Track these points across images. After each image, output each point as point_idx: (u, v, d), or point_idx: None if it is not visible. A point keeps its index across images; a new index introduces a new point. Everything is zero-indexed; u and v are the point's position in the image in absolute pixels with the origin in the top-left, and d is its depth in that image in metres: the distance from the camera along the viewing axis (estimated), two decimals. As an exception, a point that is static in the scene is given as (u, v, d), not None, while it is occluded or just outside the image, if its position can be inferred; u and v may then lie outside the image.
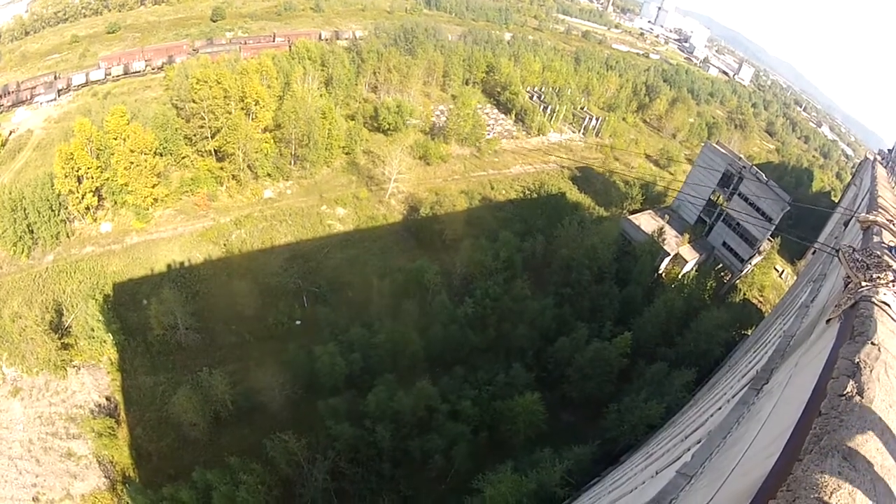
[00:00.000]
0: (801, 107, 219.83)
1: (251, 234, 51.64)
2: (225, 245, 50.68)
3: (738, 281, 54.69)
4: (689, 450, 11.62)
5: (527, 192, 63.33)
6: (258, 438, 37.94)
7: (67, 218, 51.11)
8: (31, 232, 50.20)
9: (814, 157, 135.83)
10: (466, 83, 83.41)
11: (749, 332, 46.58)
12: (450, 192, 59.22)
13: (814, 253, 50.95)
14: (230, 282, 47.23)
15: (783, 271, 63.08)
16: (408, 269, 47.65)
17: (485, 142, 69.01)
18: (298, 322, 46.41)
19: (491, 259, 47.35)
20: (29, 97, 71.37)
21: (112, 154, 50.23)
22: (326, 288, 48.93)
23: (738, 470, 5.69)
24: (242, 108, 54.76)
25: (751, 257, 53.65)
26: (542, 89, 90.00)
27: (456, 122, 65.60)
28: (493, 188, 63.44)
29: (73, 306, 46.35)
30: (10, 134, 65.90)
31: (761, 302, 57.08)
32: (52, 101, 72.06)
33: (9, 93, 70.54)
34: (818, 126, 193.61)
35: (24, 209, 49.24)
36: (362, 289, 48.66)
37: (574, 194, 65.76)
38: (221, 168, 55.14)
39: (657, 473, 13.64)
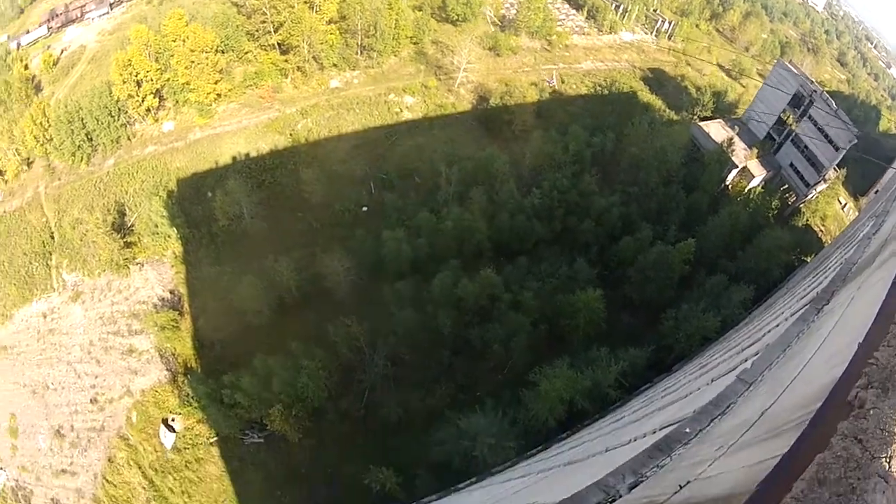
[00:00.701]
0: (871, 44, 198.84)
1: (318, 123, 49.89)
2: (291, 135, 49.11)
3: (801, 205, 54.77)
4: (745, 361, 11.91)
5: (598, 87, 62.30)
6: (322, 324, 36.87)
7: (128, 122, 51.14)
8: (90, 140, 50.58)
9: (882, 96, 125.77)
10: None
11: (808, 258, 46.05)
12: (520, 83, 58.06)
13: (876, 192, 54.32)
14: (297, 170, 45.31)
15: (846, 204, 62.75)
16: (477, 158, 47.12)
17: (555, 35, 68.21)
18: (365, 208, 45.13)
19: (560, 152, 47.14)
20: (79, 15, 71.18)
21: (171, 56, 49.73)
22: (394, 175, 47.69)
23: (800, 379, 6.07)
24: (305, 2, 54.25)
25: (816, 183, 53.44)
26: None
27: (526, 14, 64.51)
28: (563, 82, 62.30)
29: (135, 206, 45.80)
30: (61, 52, 66.45)
31: (822, 231, 56.83)
32: (104, 14, 71.35)
33: (57, 15, 70.82)
34: (887, 67, 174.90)
35: (82, 119, 49.69)
36: (430, 176, 47.53)
37: (645, 95, 64.57)
38: (286, 60, 53.44)
39: (712, 381, 14.10)
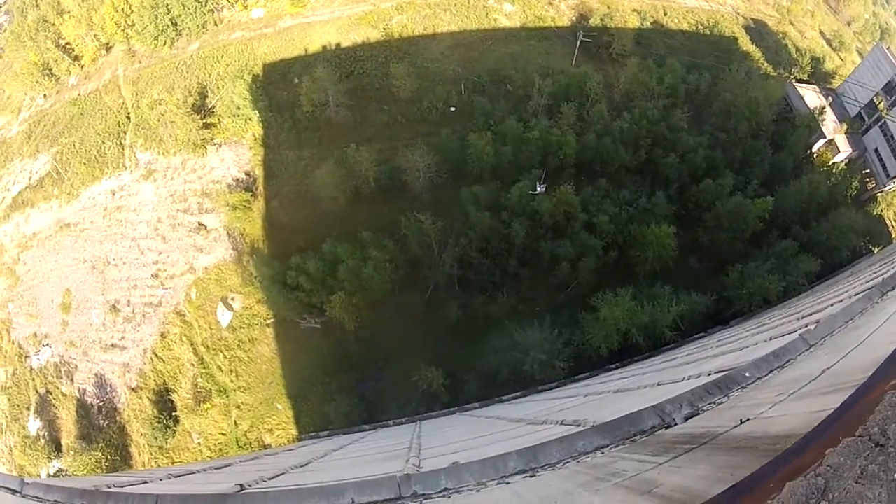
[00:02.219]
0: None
1: (413, 20, 61.35)
2: (384, 29, 60.76)
3: (878, 194, 64.10)
4: (806, 326, 14.48)
5: (699, 26, 74.28)
6: (394, 218, 46.03)
7: (215, 8, 63.11)
8: (175, 25, 63.21)
9: None
10: None
11: (876, 249, 55.71)
12: (622, 7, 68.92)
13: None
14: (387, 64, 56.00)
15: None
16: (571, 73, 56.73)
17: None
18: (453, 108, 55.38)
19: (655, 83, 55.76)
20: None
21: None
22: (486, 79, 57.22)
23: (862, 347, 7.72)
24: None
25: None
26: None
27: None
28: (665, 14, 73.87)
29: (218, 88, 57.05)
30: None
31: (893, 227, 65.94)
32: None
33: None
34: None
35: (167, 5, 62.31)
36: (522, 85, 57.14)
37: (745, 44, 75.96)
38: None
39: (771, 339, 17.17)
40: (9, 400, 59.35)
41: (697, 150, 51.53)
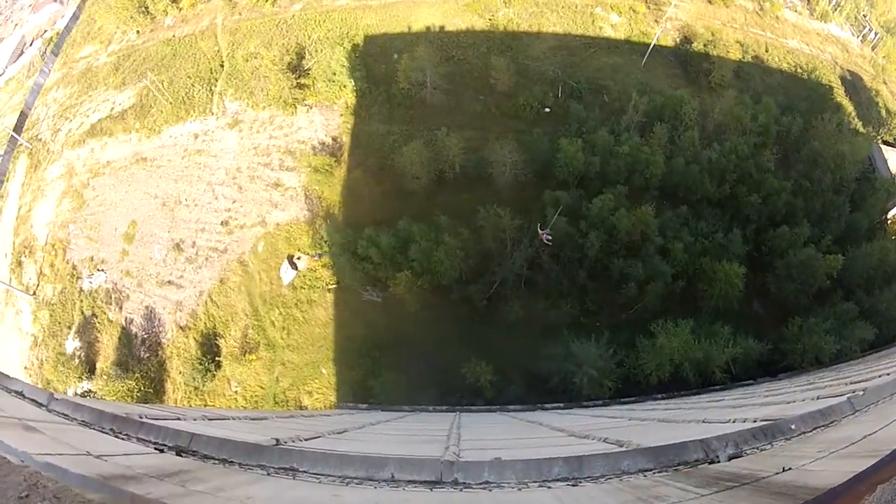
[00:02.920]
0: None
1: (519, 14, 62.78)
2: (490, 20, 62.36)
3: None
4: (854, 392, 14.40)
5: (798, 69, 74.14)
6: (473, 208, 47.40)
7: None
8: None
9: None
10: None
11: None
12: (725, 36, 69.10)
13: None
14: (488, 55, 57.59)
15: None
16: (668, 94, 57.32)
17: (769, 3, 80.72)
18: (548, 109, 56.68)
19: (749, 118, 56.06)
20: None
21: None
22: (584, 86, 58.45)
23: None
24: None
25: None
26: None
27: None
28: (767, 50, 73.88)
29: (316, 52, 59.26)
30: None
31: None
32: None
33: None
34: None
35: None
36: (618, 97, 58.16)
37: (839, 95, 75.06)
38: None
39: (818, 398, 17.74)
40: (51, 315, 61.63)
41: (780, 195, 52.00)
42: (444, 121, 52.54)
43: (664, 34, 68.17)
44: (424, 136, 51.23)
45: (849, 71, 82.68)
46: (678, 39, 69.33)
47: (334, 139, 54.90)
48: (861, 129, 71.86)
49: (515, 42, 61.14)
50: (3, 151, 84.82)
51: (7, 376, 8.83)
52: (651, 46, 65.46)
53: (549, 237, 46.42)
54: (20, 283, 66.28)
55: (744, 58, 69.55)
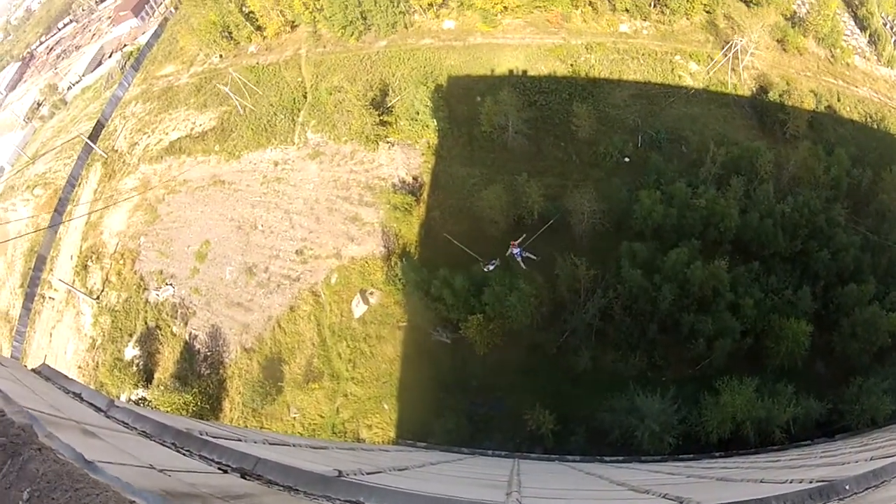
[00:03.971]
0: None
1: (600, 61, 64.45)
2: (572, 66, 64.09)
3: None
4: None
5: (868, 118, 72.88)
6: (549, 254, 48.91)
7: (406, 10, 68.72)
8: (364, 19, 68.81)
9: None
10: None
11: None
12: (800, 86, 69.26)
13: None
14: (570, 101, 59.17)
15: None
16: (745, 146, 57.69)
17: (840, 49, 79.79)
18: (627, 158, 57.84)
19: (821, 171, 56.05)
20: None
21: None
22: (664, 136, 59.59)
23: None
24: None
25: None
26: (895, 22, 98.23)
27: (816, 18, 76.97)
28: (839, 100, 73.17)
29: (399, 90, 62.00)
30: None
31: None
32: None
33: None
34: None
35: None
36: (697, 148, 58.89)
37: None
38: None
39: (871, 459, 18.16)
40: (112, 321, 64.39)
41: (849, 250, 51.73)
42: (524, 166, 54.04)
43: (741, 84, 69.22)
44: (504, 180, 52.79)
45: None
46: (754, 89, 70.03)
47: (415, 178, 56.71)
48: (930, 184, 69.42)
49: (597, 89, 62.72)
50: (77, 157, 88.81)
51: (66, 377, 8.74)
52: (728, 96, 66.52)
53: (522, 255, 48.45)
54: (84, 287, 69.88)
55: (817, 107, 69.78)
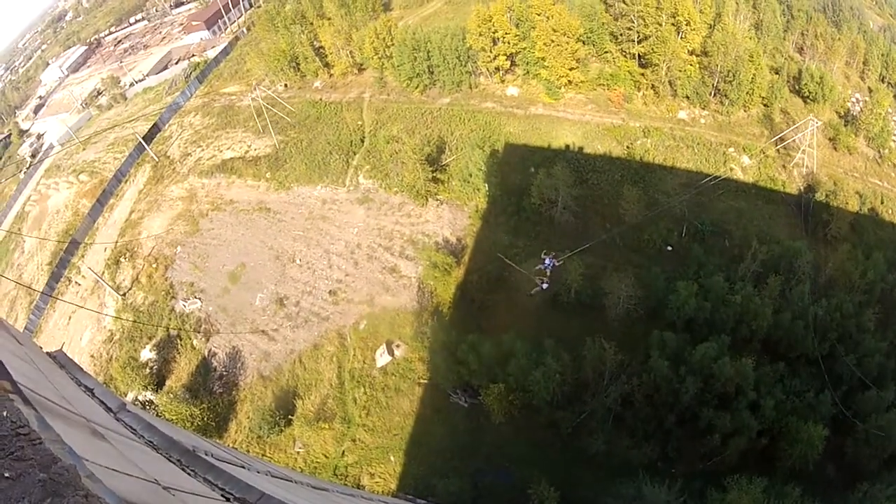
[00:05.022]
0: None
1: (656, 146, 66.13)
2: (628, 147, 65.85)
3: None
4: None
5: None
6: (579, 334, 49.72)
7: (473, 71, 72.12)
8: (431, 73, 72.62)
9: None
10: (882, 80, 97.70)
11: None
12: (846, 186, 70.02)
13: None
14: (621, 183, 60.74)
15: None
16: (786, 245, 58.55)
17: (888, 150, 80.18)
18: (670, 248, 59.12)
19: (858, 275, 56.43)
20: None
21: (533, 28, 69.04)
22: (708, 227, 60.77)
23: None
24: (673, 24, 70.49)
25: None
26: None
27: (868, 116, 77.59)
28: (882, 202, 73.57)
29: (456, 149, 64.81)
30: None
31: None
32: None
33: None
34: None
35: (428, 52, 71.61)
36: (739, 243, 59.82)
37: None
38: (643, 74, 71.16)
39: None
40: (134, 321, 66.52)
41: (874, 356, 51.90)
42: (567, 243, 55.63)
43: (789, 181, 70.33)
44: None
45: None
46: (802, 187, 70.84)
47: (458, 239, 58.50)
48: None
49: (649, 174, 64.46)
50: (129, 154, 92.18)
51: (81, 369, 8.79)
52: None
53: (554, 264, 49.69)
54: (112, 280, 72.97)
55: (860, 209, 70.35)
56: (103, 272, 74.26)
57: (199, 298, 67.54)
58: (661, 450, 48.10)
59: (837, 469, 48.67)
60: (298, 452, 55.06)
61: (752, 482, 41.23)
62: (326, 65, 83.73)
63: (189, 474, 7.26)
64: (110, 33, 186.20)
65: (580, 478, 47.44)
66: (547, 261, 53.91)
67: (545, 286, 54.31)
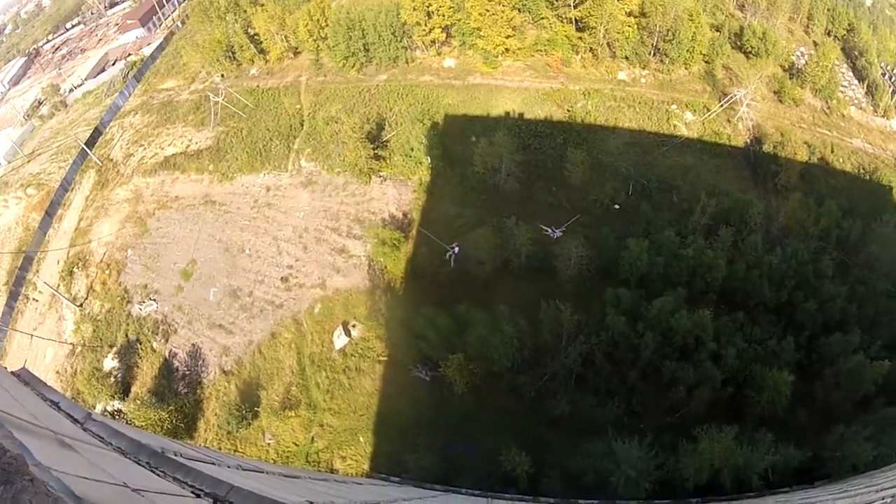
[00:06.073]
0: None
1: (597, 108, 65.13)
2: (569, 111, 64.79)
3: None
4: (885, 500, 16.21)
5: (861, 170, 73.88)
6: (534, 299, 48.68)
7: (409, 46, 69.75)
8: (367, 51, 69.99)
9: None
10: (828, 34, 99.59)
11: None
12: (794, 137, 70.15)
13: None
14: (564, 146, 59.68)
15: None
16: (735, 198, 58.22)
17: (836, 101, 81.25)
18: (617, 206, 58.27)
19: (811, 223, 56.86)
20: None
21: None
22: (655, 184, 60.07)
23: None
24: None
25: None
26: (894, 71, 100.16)
27: (814, 69, 78.37)
28: (832, 151, 74.21)
29: (396, 124, 62.59)
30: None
31: None
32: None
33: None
34: None
35: (363, 30, 69.02)
36: (687, 198, 59.43)
37: None
38: (580, 38, 69.68)
39: None
40: (94, 330, 63.64)
41: (835, 301, 52.11)
42: (514, 209, 54.34)
43: (735, 134, 70.04)
44: (494, 222, 53.31)
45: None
46: (749, 140, 70.78)
47: (405, 214, 56.84)
48: (919, 229, 71.13)
49: (591, 135, 63.56)
50: (72, 162, 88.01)
51: (45, 384, 8.68)
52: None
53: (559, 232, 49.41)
54: (68, 292, 69.29)
55: (810, 159, 70.82)
56: (58, 284, 70.69)
57: (154, 300, 64.71)
58: (627, 406, 47.92)
59: (809, 414, 49.01)
60: (269, 444, 53.39)
61: (722, 430, 41.17)
62: (262, 51, 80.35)
63: (158, 475, 7.35)
64: (48, 41, 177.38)
65: (548, 441, 46.85)
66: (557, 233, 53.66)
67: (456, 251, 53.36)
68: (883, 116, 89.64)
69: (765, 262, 52.89)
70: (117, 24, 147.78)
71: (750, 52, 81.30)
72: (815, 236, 57.21)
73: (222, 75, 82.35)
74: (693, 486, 41.32)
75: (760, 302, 52.55)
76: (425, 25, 68.26)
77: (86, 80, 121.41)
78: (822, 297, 52.46)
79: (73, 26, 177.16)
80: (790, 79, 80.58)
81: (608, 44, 70.86)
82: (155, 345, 61.64)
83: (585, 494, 42.90)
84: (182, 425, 54.05)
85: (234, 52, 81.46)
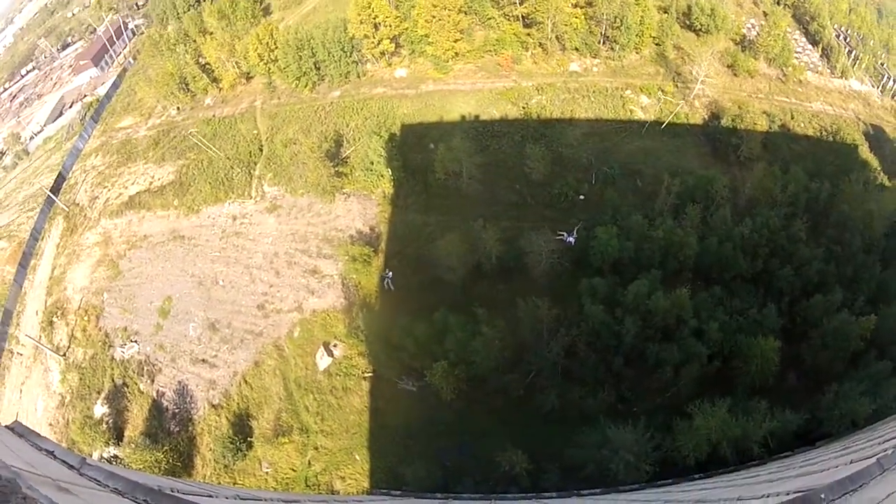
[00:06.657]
0: None
1: (552, 101, 64.83)
2: (524, 108, 64.50)
3: None
4: (886, 452, 15.84)
5: (823, 132, 74.26)
6: (510, 297, 48.27)
7: (359, 60, 68.90)
8: (318, 69, 68.97)
9: None
10: (777, 3, 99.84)
11: None
12: (752, 108, 70.36)
13: None
14: (522, 143, 59.24)
15: None
16: (699, 175, 58.27)
17: (791, 67, 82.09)
18: (582, 197, 58.02)
19: (778, 190, 56.94)
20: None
21: (413, 6, 66.81)
22: (617, 171, 59.95)
23: None
24: None
25: None
26: (848, 31, 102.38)
27: (766, 39, 78.91)
28: (792, 117, 74.48)
29: (354, 140, 61.83)
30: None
31: None
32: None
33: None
34: None
35: (312, 49, 68.12)
36: (651, 181, 59.46)
37: (864, 152, 74.59)
38: (528, 34, 69.40)
39: (851, 462, 18.41)
40: (80, 378, 62.15)
41: (812, 264, 52.41)
42: (479, 211, 53.95)
43: (693, 112, 70.10)
44: (461, 227, 52.85)
45: (872, 125, 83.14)
46: (706, 116, 70.95)
47: (371, 228, 56.25)
48: (887, 183, 72.23)
49: (549, 130, 63.26)
50: (40, 210, 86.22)
51: (38, 434, 8.64)
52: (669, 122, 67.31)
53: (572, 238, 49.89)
54: (50, 343, 67.55)
55: (770, 128, 70.81)
56: (40, 336, 69.08)
57: (135, 341, 63.31)
58: (616, 393, 47.74)
59: (800, 378, 49.03)
60: (267, 473, 52.40)
61: (715, 405, 41.07)
62: (215, 80, 78.95)
63: (156, 512, 6.53)
64: (5, 90, 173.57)
65: (541, 436, 46.44)
66: (570, 239, 53.74)
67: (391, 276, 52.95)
68: (841, 77, 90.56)
69: (736, 235, 52.90)
70: (71, 66, 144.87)
71: (700, 30, 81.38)
72: (784, 203, 57.21)
73: (178, 108, 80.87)
74: (694, 461, 41.10)
75: (737, 274, 52.72)
76: (373, 38, 67.60)
77: (45, 125, 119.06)
78: (797, 261, 52.71)
79: (27, 72, 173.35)
80: (743, 51, 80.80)
81: (557, 37, 70.71)
82: (142, 386, 60.35)
83: (588, 485, 42.52)
84: (179, 464, 52.97)
85: (187, 84, 79.92)
